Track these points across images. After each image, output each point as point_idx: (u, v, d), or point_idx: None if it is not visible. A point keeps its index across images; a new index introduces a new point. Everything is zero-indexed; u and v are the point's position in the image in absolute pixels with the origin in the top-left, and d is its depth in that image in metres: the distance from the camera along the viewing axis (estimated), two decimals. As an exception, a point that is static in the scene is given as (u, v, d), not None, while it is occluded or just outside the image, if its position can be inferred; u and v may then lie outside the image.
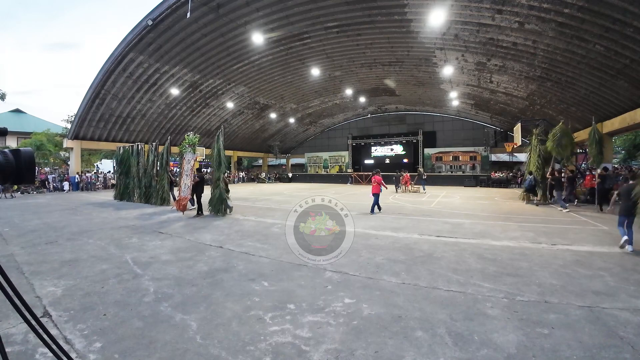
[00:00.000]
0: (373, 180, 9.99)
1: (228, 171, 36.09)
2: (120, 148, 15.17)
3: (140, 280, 4.13)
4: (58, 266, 4.71)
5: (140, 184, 13.51)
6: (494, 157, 28.88)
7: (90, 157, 31.16)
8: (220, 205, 9.58)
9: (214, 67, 19.01)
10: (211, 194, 9.81)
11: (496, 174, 25.04)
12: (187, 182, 10.22)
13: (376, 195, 9.78)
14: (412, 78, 21.38)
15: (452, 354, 2.47)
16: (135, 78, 18.53)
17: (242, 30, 15.39)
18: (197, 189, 9.88)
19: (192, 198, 10.19)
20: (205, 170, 12.64)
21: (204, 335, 2.78)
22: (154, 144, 13.14)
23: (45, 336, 0.92)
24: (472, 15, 12.48)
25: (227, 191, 9.82)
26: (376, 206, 9.84)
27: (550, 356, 2.45)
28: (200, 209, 9.73)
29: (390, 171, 22.53)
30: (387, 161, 31.95)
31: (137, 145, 14.04)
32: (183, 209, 9.96)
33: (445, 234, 6.79)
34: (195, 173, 10.33)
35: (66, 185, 20.89)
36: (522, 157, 26.55)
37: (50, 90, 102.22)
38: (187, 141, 10.68)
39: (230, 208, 9.75)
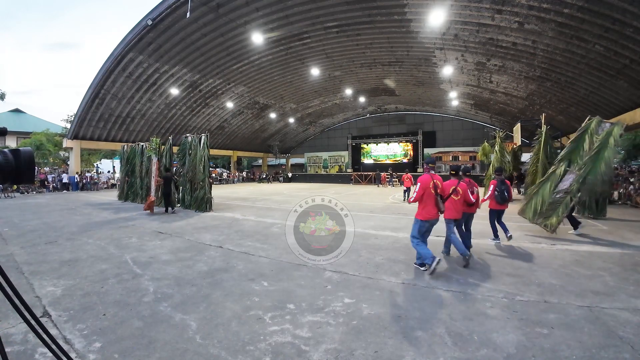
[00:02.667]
0: (404, 177, 13.79)
1: (227, 171, 36.35)
2: (124, 146, 15.07)
3: (140, 280, 4.13)
4: (58, 266, 4.71)
5: (142, 184, 13.33)
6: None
7: (90, 157, 31.09)
8: (203, 203, 10.62)
9: (214, 67, 18.99)
10: (194, 193, 10.94)
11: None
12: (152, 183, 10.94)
13: (408, 189, 13.05)
14: (411, 78, 21.38)
15: (451, 354, 2.48)
16: (135, 78, 18.50)
17: (241, 30, 15.38)
18: (163, 188, 10.41)
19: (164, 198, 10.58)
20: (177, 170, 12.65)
21: (203, 335, 2.78)
22: (167, 141, 12.93)
23: (44, 336, 0.91)
24: (471, 15, 12.48)
25: (210, 190, 11.01)
26: (407, 195, 12.92)
27: (550, 356, 2.45)
28: (167, 205, 10.30)
29: (396, 171, 25.14)
30: (387, 161, 32.02)
31: (148, 143, 13.90)
32: (149, 207, 10.31)
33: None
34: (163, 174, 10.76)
35: (65, 177, 20.96)
36: (523, 157, 26.50)
37: (50, 90, 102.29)
38: (154, 144, 11.35)
39: (211, 207, 10.80)
